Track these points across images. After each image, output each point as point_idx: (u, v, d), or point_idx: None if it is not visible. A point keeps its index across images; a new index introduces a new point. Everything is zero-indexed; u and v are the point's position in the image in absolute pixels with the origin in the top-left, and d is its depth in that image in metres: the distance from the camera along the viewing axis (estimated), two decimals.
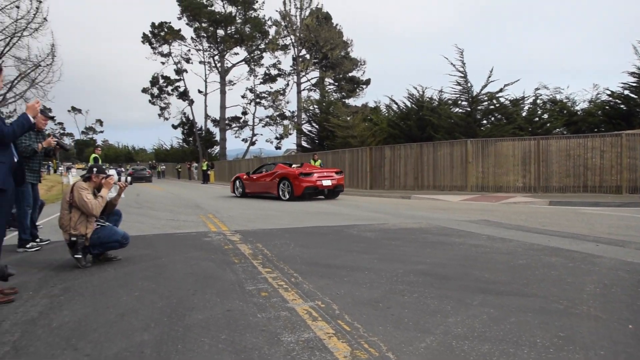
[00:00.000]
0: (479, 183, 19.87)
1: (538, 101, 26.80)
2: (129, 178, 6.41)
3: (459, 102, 26.14)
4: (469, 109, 25.11)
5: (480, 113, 25.23)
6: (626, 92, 24.24)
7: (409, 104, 29.30)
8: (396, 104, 31.10)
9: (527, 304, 3.96)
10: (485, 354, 2.95)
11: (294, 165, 19.21)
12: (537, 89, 27.10)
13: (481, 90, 24.33)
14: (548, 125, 24.90)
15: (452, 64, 24.27)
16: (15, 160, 4.45)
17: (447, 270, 5.27)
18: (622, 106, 24.43)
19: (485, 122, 25.70)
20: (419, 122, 27.30)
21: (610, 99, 25.45)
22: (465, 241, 7.29)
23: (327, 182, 17.44)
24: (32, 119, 4.37)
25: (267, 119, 60.42)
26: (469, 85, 24.48)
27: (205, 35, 56.90)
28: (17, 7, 17.48)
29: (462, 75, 24.35)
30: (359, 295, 4.26)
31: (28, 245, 6.95)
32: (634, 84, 23.56)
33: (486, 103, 24.85)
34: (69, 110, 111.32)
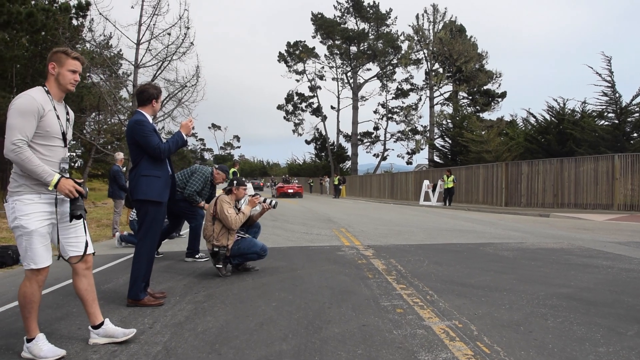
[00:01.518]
0: (628, 201, 18.32)
1: None
2: (274, 202, 6.70)
3: (605, 114, 24.45)
4: (616, 121, 23.37)
5: (630, 125, 23.37)
6: None
7: (548, 117, 27.83)
8: (534, 117, 29.71)
9: None
10: None
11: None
12: None
13: (632, 100, 22.58)
14: None
15: (597, 73, 22.81)
16: (170, 174, 4.84)
17: (594, 295, 4.94)
18: None
19: (635, 135, 23.75)
20: (559, 136, 25.83)
21: None
22: (614, 264, 6.78)
23: (291, 190, 41.72)
24: (185, 136, 4.74)
25: (399, 134, 60.35)
26: (617, 95, 22.84)
27: (338, 52, 58.38)
28: (169, 34, 19.03)
29: (610, 84, 22.78)
30: (498, 317, 4.13)
31: (197, 256, 7.51)
32: None
33: (637, 114, 22.98)
34: (209, 127, 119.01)
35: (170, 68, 20.72)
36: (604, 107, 23.97)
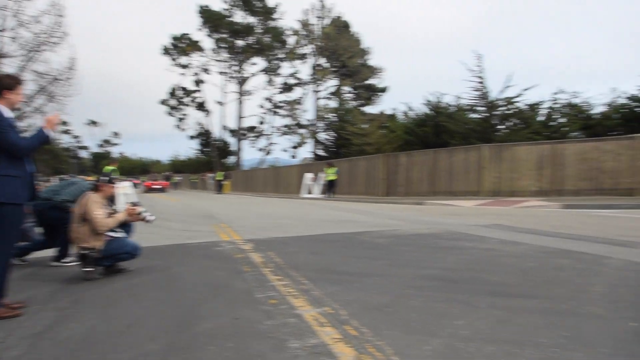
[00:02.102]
0: (494, 188, 19.79)
1: (555, 105, 26.66)
2: (153, 217, 6.44)
3: (476, 107, 26.11)
4: (486, 115, 25.04)
5: (497, 118, 25.14)
6: None
7: (425, 110, 29.29)
8: (413, 110, 31.11)
9: (534, 305, 3.99)
10: (489, 355, 3.00)
11: None
12: (554, 93, 26.99)
13: (499, 95, 24.30)
14: (564, 129, 24.74)
15: (469, 69, 24.29)
16: (30, 173, 4.51)
17: (456, 274, 5.30)
18: (638, 109, 24.20)
19: (501, 127, 25.58)
20: (436, 128, 27.25)
21: (628, 101, 25.22)
22: (477, 245, 7.31)
23: (157, 186, 46.22)
24: (49, 132, 4.42)
25: (284, 128, 60.73)
26: (486, 90, 24.46)
27: (225, 46, 57.46)
28: (38, 21, 17.77)
29: (480, 80, 24.34)
30: (368, 301, 4.30)
31: (65, 260, 6.94)
32: None
33: (503, 108, 24.77)
34: (86, 124, 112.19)
35: (41, 59, 19.42)
36: (475, 101, 25.55)
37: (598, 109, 26.99)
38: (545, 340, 3.19)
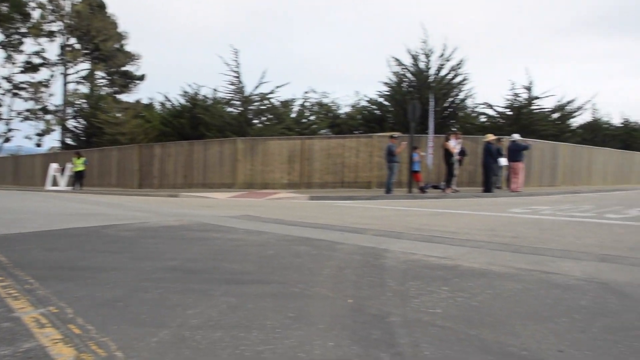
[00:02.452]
0: (247, 180, 20.43)
1: (306, 104, 28.53)
2: None
3: (232, 101, 26.58)
4: (241, 109, 25.63)
5: (252, 113, 25.93)
6: (380, 99, 27.00)
7: (183, 101, 28.90)
8: (170, 101, 30.46)
9: (267, 290, 4.12)
10: (216, 340, 2.99)
11: None
12: (306, 92, 28.85)
13: (253, 90, 25.06)
14: (314, 126, 26.61)
15: (226, 63, 24.59)
16: None
17: (197, 264, 5.26)
18: (377, 111, 27.18)
19: (256, 121, 26.49)
20: (192, 120, 27.12)
21: (368, 104, 28.13)
22: (223, 236, 7.39)
23: None
24: None
25: (27, 113, 54.55)
26: (242, 85, 25.04)
27: None
28: None
29: (236, 75, 24.82)
30: (99, 297, 4.01)
31: None
32: (387, 92, 26.36)
33: (258, 103, 25.63)
34: None
35: None
36: (231, 95, 25.99)
37: (344, 109, 29.65)
38: (271, 322, 3.30)
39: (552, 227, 8.24)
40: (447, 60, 24.67)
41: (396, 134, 17.81)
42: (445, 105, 25.14)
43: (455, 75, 24.94)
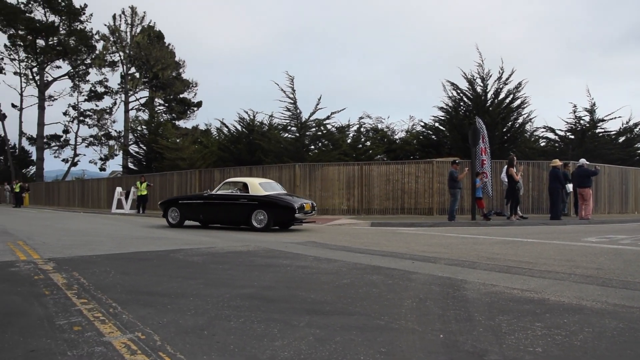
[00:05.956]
0: None
1: (362, 129, 28.52)
2: None
3: (289, 127, 26.81)
4: (297, 135, 25.81)
5: (308, 139, 26.06)
6: (436, 124, 26.71)
7: (239, 127, 29.39)
8: (227, 127, 31.00)
9: (351, 322, 4.02)
10: None
11: None
12: (361, 117, 28.85)
13: (310, 116, 25.22)
14: (370, 152, 26.51)
15: (282, 90, 24.86)
16: None
17: (273, 292, 5.21)
18: (433, 136, 26.88)
19: (312, 147, 26.61)
20: (249, 145, 27.51)
21: (424, 129, 27.87)
22: (292, 263, 7.34)
23: None
24: None
25: (92, 139, 56.76)
26: (298, 111, 25.24)
27: (22, 44, 51.97)
28: None
29: (292, 101, 25.03)
30: (183, 324, 4.00)
31: None
32: (442, 118, 26.05)
33: (314, 129, 25.76)
34: None
35: None
36: (287, 121, 26.24)
37: (399, 134, 29.45)
38: (363, 357, 3.18)
39: (637, 259, 7.83)
40: (505, 84, 24.18)
41: (457, 159, 17.55)
42: (504, 129, 24.61)
43: (514, 99, 24.39)
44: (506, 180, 16.82)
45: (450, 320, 4.05)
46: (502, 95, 24.54)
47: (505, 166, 17.00)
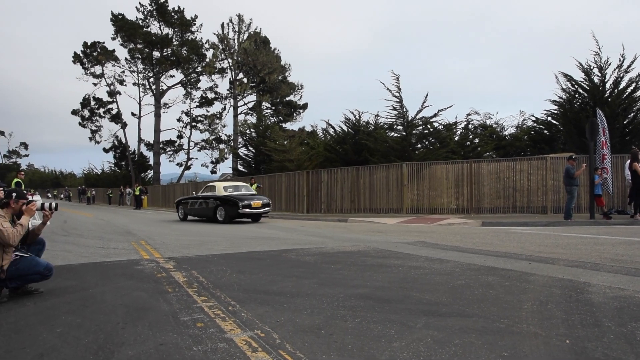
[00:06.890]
0: (414, 205, 20.20)
1: (470, 126, 27.75)
2: (54, 203, 5.92)
3: (395, 126, 26.62)
4: (404, 133, 25.57)
5: (415, 137, 25.74)
6: (549, 118, 25.40)
7: (345, 128, 29.56)
8: (333, 128, 31.31)
9: (469, 324, 3.94)
10: None
11: None
12: (468, 114, 28.12)
13: (416, 115, 24.89)
14: (479, 149, 25.73)
15: (388, 89, 24.74)
16: None
17: (387, 293, 5.21)
18: (545, 131, 25.59)
19: (419, 146, 26.24)
20: (355, 146, 27.58)
21: (535, 124, 26.61)
22: (404, 263, 7.30)
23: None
24: None
25: (203, 143, 59.71)
26: (404, 110, 25.00)
27: (140, 56, 55.81)
28: None
29: (398, 100, 24.84)
30: (300, 323, 4.11)
31: None
32: (555, 111, 24.71)
33: (421, 127, 25.40)
34: None
35: None
36: (393, 120, 26.06)
37: (509, 130, 28.34)
38: None
39: None
40: (627, 72, 22.46)
41: (574, 155, 16.59)
42: (624, 122, 22.91)
43: (637, 88, 22.59)
44: (630, 176, 15.64)
45: (575, 325, 3.86)
46: (622, 85, 22.81)
47: (628, 160, 15.81)
